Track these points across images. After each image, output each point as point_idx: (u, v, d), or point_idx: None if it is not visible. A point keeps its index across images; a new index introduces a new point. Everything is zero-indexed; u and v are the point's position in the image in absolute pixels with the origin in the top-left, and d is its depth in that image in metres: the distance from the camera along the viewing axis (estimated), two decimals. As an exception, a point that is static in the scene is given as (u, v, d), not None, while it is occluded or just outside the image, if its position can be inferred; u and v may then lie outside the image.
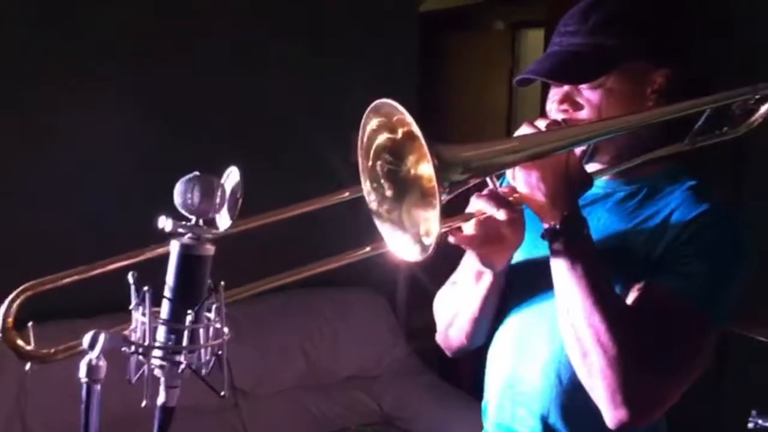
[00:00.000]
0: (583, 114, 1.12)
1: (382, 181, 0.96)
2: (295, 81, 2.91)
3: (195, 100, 2.73)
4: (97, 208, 2.55)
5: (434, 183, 0.85)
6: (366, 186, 0.97)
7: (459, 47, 5.38)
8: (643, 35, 1.12)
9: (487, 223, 1.04)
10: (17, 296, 0.86)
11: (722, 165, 2.23)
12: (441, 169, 0.85)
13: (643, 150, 1.16)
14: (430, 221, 0.91)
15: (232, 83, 2.79)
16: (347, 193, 1.02)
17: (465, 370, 3.09)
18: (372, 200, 0.97)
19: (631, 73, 1.11)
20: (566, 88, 1.13)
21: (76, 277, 0.90)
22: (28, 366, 0.86)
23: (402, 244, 0.95)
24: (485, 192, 1.03)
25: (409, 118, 0.86)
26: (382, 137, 0.94)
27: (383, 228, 0.97)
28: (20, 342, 0.87)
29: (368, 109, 0.91)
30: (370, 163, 0.95)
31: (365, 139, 0.94)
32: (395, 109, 0.88)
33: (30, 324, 0.85)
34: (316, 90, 2.96)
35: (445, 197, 0.88)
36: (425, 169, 0.93)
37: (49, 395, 2.35)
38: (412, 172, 0.95)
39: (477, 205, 1.03)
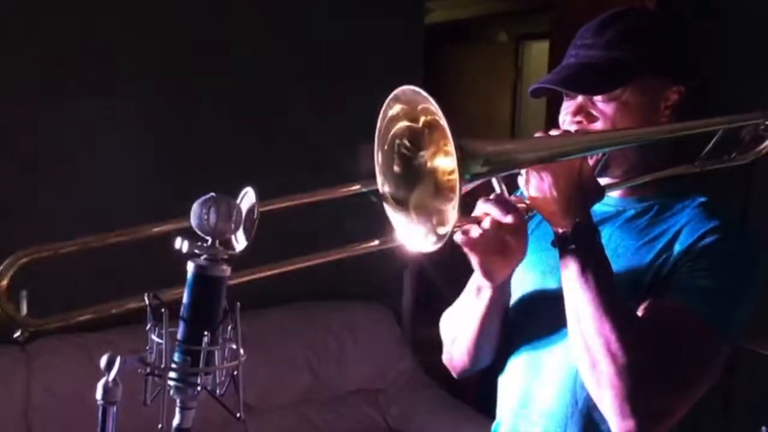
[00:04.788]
0: (597, 126, 1.12)
1: (401, 176, 0.96)
2: (301, 92, 2.92)
3: (202, 117, 2.75)
4: (107, 228, 2.55)
5: (453, 176, 0.85)
6: (379, 168, 0.96)
7: (463, 59, 5.39)
8: (659, 51, 1.13)
9: (492, 229, 1.03)
10: (12, 262, 0.82)
11: (729, 180, 2.23)
12: (463, 159, 0.85)
13: (654, 169, 1.16)
14: (447, 212, 0.91)
15: (238, 96, 2.80)
16: (359, 186, 1.01)
17: (471, 384, 3.08)
18: (382, 183, 0.97)
19: (646, 88, 1.12)
20: (580, 99, 1.14)
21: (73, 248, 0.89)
22: (18, 333, 0.82)
23: (414, 235, 0.95)
24: (493, 196, 1.03)
25: (434, 107, 0.86)
26: (402, 124, 0.93)
27: (395, 217, 0.97)
28: (11, 309, 0.82)
29: (390, 95, 0.91)
30: (386, 146, 0.95)
31: (383, 129, 0.94)
32: (420, 96, 0.87)
33: (23, 292, 0.81)
34: (321, 102, 2.97)
35: (464, 188, 0.87)
36: (442, 161, 0.93)
37: (56, 409, 2.36)
38: (429, 164, 0.94)
39: (484, 208, 1.02)
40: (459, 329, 1.27)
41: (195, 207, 0.78)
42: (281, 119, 2.89)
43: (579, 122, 1.13)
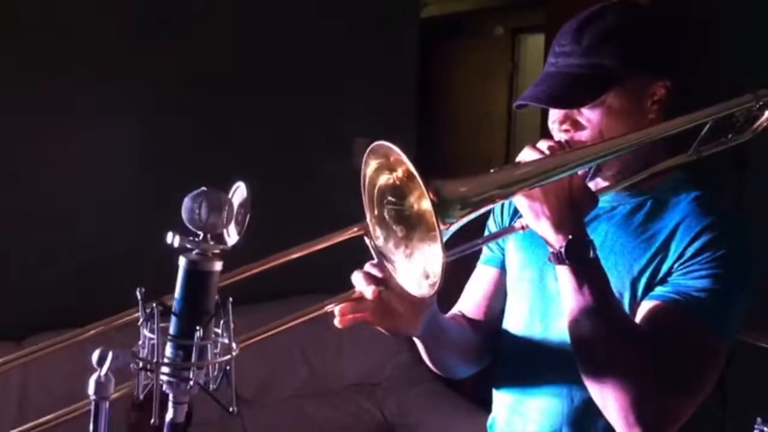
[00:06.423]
0: (585, 134, 1.10)
1: (392, 224, 0.95)
2: (295, 88, 2.92)
3: (195, 112, 2.74)
4: (99, 224, 2.55)
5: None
6: (373, 227, 0.96)
7: (459, 53, 5.38)
8: (640, 50, 1.11)
9: (372, 302, 1.03)
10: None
11: (723, 171, 2.23)
12: (439, 205, 0.85)
13: (648, 163, 1.15)
14: (434, 256, 0.90)
15: (233, 96, 2.80)
16: (356, 229, 1.01)
17: (468, 378, 3.08)
18: (378, 237, 0.97)
19: (629, 89, 1.10)
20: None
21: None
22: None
23: (411, 279, 0.95)
24: (360, 270, 1.03)
25: (404, 159, 0.86)
26: (383, 178, 0.93)
27: (392, 266, 0.97)
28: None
29: (366, 151, 0.91)
30: (376, 207, 0.95)
31: (367, 182, 0.94)
32: (391, 150, 0.88)
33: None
34: (316, 98, 2.96)
35: (447, 232, 0.88)
36: (427, 204, 0.93)
37: (51, 403, 2.35)
38: (416, 208, 0.94)
39: (354, 280, 1.03)
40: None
41: (186, 201, 0.78)
42: (276, 115, 2.89)
43: (566, 131, 1.11)
